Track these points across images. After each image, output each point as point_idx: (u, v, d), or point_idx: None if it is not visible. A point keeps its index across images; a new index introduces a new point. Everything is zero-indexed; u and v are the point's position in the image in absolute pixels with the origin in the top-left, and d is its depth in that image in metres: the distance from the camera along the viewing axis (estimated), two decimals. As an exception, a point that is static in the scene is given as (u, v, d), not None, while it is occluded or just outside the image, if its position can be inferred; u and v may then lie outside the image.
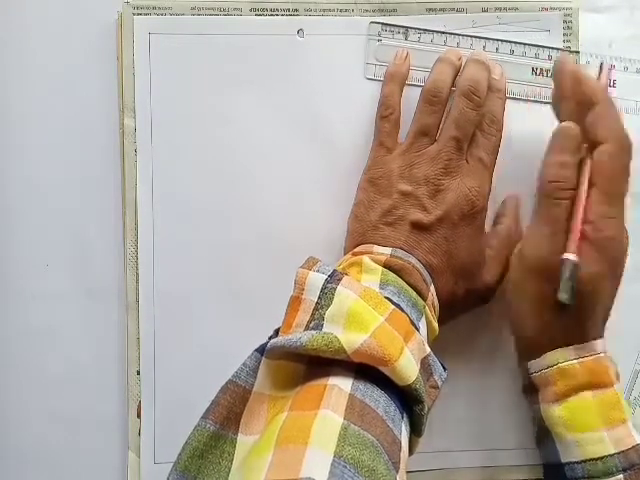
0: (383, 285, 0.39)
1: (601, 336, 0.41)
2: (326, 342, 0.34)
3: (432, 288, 0.42)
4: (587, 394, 0.40)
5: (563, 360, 0.40)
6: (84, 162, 0.47)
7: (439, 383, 0.39)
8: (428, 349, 0.39)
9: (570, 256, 0.38)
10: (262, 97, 0.47)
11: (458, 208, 0.42)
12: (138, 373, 0.47)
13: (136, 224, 0.47)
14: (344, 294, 0.37)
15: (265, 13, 0.47)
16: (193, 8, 0.47)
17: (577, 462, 0.39)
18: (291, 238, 0.47)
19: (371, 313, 0.36)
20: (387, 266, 0.40)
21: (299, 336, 0.35)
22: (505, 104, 0.45)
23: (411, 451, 0.39)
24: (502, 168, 0.46)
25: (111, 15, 0.47)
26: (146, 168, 0.47)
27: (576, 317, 0.40)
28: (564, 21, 0.48)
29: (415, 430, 0.38)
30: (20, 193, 0.47)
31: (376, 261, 0.40)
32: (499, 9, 0.48)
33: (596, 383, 0.40)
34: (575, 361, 0.40)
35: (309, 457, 0.30)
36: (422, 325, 0.40)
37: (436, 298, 0.42)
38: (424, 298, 0.41)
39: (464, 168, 0.43)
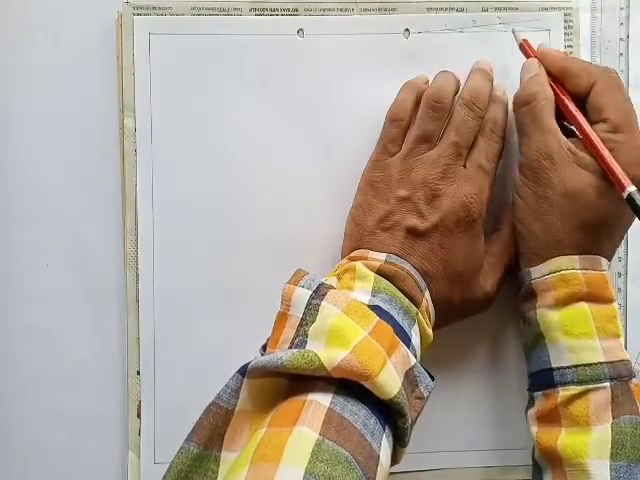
0: (375, 292, 0.39)
1: (608, 258, 0.42)
2: (306, 360, 0.35)
3: (427, 294, 0.41)
4: (586, 305, 0.41)
5: (566, 267, 0.41)
6: (84, 162, 0.47)
7: (425, 394, 0.39)
8: (414, 360, 0.38)
9: (631, 187, 0.39)
10: (262, 97, 0.47)
11: (454, 215, 0.42)
12: (138, 373, 0.47)
13: (136, 224, 0.47)
14: (327, 310, 0.37)
15: (265, 13, 0.47)
16: (193, 8, 0.47)
17: (568, 367, 0.40)
18: (291, 238, 0.47)
19: (353, 328, 0.36)
20: (380, 273, 0.40)
21: (279, 355, 0.35)
22: (507, 112, 0.45)
23: (396, 460, 0.39)
24: (502, 174, 0.46)
25: (111, 15, 0.47)
26: (146, 168, 0.47)
27: (588, 229, 0.41)
28: (565, 20, 0.48)
29: (399, 441, 0.38)
30: (20, 193, 0.47)
31: (370, 267, 0.40)
32: (499, 9, 0.48)
33: (596, 297, 0.41)
34: (579, 271, 0.41)
35: (280, 474, 0.31)
36: (414, 332, 0.40)
37: (431, 304, 0.42)
38: (418, 304, 0.40)
39: (462, 173, 0.42)
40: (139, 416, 0.47)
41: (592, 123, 0.41)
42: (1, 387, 0.47)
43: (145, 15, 0.46)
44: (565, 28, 0.48)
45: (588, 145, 0.41)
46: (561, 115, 0.43)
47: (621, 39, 0.49)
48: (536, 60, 0.44)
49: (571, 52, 0.48)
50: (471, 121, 0.43)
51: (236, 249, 0.47)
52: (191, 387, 0.46)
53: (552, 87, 0.43)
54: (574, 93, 0.42)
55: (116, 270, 0.47)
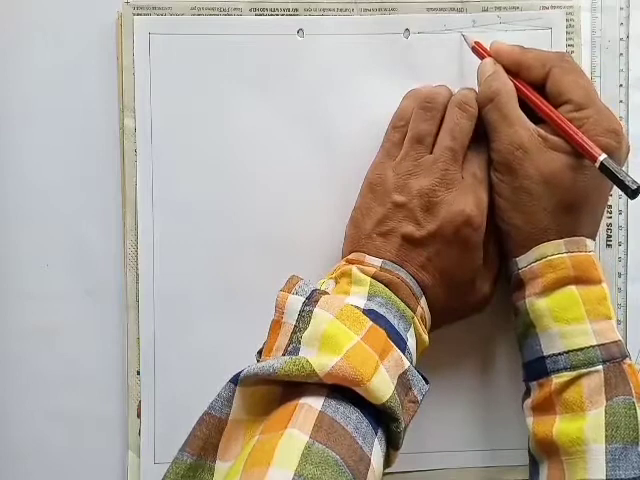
0: (371, 297, 0.39)
1: (592, 237, 0.42)
2: (298, 367, 0.35)
3: (423, 301, 0.41)
4: (574, 288, 0.40)
5: (552, 253, 0.41)
6: (84, 162, 0.47)
7: (419, 397, 0.39)
8: (407, 364, 0.38)
9: (602, 156, 0.39)
10: (262, 97, 0.47)
11: (452, 223, 0.41)
12: (138, 373, 0.47)
13: (136, 224, 0.47)
14: (320, 316, 0.37)
15: (265, 13, 0.47)
16: (193, 8, 0.47)
17: (560, 353, 0.40)
18: (291, 238, 0.47)
19: (346, 333, 0.36)
20: (375, 279, 0.40)
21: (271, 363, 0.35)
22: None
23: (390, 463, 0.39)
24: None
25: (111, 15, 0.47)
26: (146, 168, 0.47)
27: (570, 211, 0.41)
28: (566, 19, 0.48)
29: (392, 445, 0.38)
30: (20, 193, 0.47)
31: (365, 272, 0.40)
32: (499, 8, 0.48)
33: (584, 279, 0.40)
34: (565, 255, 0.41)
35: (270, 477, 0.31)
36: (410, 336, 0.40)
37: (427, 311, 0.42)
38: (413, 311, 0.40)
39: (461, 182, 0.42)
40: (139, 416, 0.47)
41: (556, 107, 0.41)
42: (1, 387, 0.47)
43: (145, 15, 0.46)
44: (567, 27, 0.48)
45: (554, 126, 0.41)
46: (525, 106, 0.42)
47: (621, 39, 0.49)
48: (491, 59, 0.44)
49: (572, 51, 0.48)
50: (464, 122, 0.43)
51: (236, 249, 0.47)
52: (191, 387, 0.46)
53: (512, 80, 0.43)
54: (532, 83, 0.43)
55: (116, 270, 0.47)
